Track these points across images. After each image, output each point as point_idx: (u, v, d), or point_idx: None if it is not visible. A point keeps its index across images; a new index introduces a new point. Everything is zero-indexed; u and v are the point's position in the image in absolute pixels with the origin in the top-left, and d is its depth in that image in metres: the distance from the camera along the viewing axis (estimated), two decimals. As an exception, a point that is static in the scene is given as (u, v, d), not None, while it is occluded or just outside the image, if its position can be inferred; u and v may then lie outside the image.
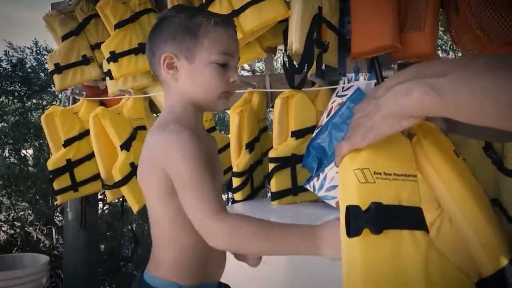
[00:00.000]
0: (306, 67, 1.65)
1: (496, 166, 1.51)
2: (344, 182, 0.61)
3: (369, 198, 0.57)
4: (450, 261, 0.58)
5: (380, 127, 0.60)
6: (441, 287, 0.56)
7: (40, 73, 3.40)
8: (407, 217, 0.58)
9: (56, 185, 2.18)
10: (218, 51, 0.96)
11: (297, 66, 1.66)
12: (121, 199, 2.44)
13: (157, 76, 1.03)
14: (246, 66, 4.53)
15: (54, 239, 3.16)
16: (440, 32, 2.50)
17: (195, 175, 0.85)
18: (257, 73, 4.40)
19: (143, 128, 2.23)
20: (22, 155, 3.32)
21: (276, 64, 4.60)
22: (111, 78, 2.14)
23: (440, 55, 3.63)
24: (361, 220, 0.56)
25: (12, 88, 3.27)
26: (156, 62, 0.99)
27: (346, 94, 1.64)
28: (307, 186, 1.65)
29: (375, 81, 1.64)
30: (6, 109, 3.34)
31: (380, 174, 0.59)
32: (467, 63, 0.59)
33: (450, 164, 0.67)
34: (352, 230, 0.56)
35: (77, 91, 2.39)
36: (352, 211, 0.57)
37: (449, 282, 0.57)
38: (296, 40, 1.60)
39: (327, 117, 1.65)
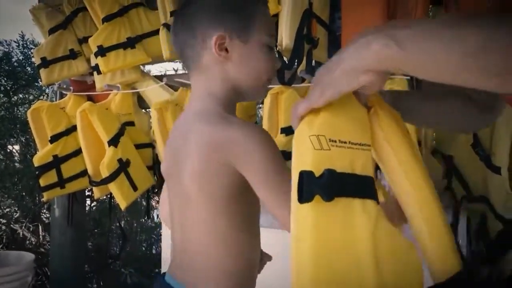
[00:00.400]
0: (296, 63, 1.64)
1: (484, 163, 1.52)
2: (299, 148, 0.59)
3: (323, 165, 0.56)
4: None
5: (338, 83, 0.58)
6: (389, 255, 0.55)
7: (27, 67, 3.35)
8: (360, 186, 0.58)
9: (43, 182, 2.14)
10: (268, 32, 0.89)
11: (287, 62, 1.65)
12: (109, 196, 2.42)
13: (192, 60, 0.90)
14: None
15: (40, 236, 3.12)
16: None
17: (286, 172, 0.75)
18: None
19: (131, 123, 2.21)
20: (8, 150, 3.27)
21: (266, 61, 4.58)
22: (99, 72, 2.11)
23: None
24: (313, 186, 0.55)
25: (-3, 82, 3.23)
26: (197, 44, 0.88)
27: (336, 91, 1.64)
28: (297, 183, 1.64)
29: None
30: (-8, 104, 3.28)
31: (336, 141, 0.58)
32: (430, 19, 0.58)
33: (405, 140, 0.66)
34: (304, 196, 0.55)
35: (65, 86, 2.35)
36: (305, 177, 0.56)
37: (397, 251, 0.56)
38: (286, 35, 1.59)
39: (317, 113, 1.65)
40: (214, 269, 0.86)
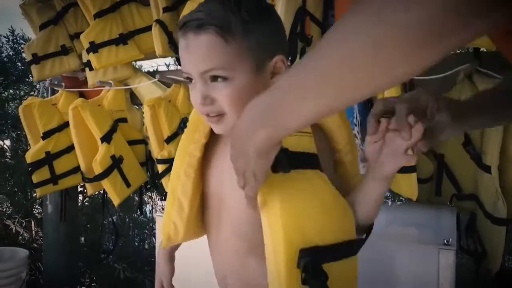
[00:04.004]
0: (289, 61, 1.64)
1: (475, 161, 1.54)
2: None
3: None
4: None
5: (261, 172, 0.64)
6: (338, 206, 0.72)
7: (17, 63, 3.31)
8: (312, 160, 0.74)
9: (35, 178, 2.14)
10: None
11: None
12: (101, 191, 2.42)
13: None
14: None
15: (33, 232, 3.11)
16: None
17: None
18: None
19: (124, 120, 2.21)
20: (0, 146, 3.24)
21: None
22: (91, 69, 2.10)
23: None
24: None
25: (-13, 78, 3.19)
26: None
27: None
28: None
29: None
30: (-18, 100, 3.25)
31: None
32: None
33: None
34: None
35: (56, 82, 2.34)
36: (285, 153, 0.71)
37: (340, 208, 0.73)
38: (279, 33, 1.59)
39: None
40: None
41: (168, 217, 0.87)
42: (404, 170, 1.54)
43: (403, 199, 2.08)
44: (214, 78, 0.73)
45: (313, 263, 0.66)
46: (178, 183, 0.86)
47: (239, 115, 0.74)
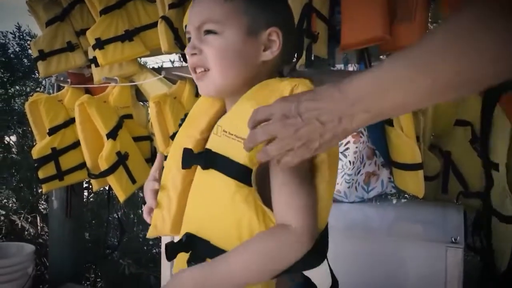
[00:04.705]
0: (295, 58, 1.64)
1: (482, 159, 1.53)
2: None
3: (209, 146, 0.77)
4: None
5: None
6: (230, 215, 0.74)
7: (23, 59, 3.31)
8: (228, 166, 0.74)
9: (41, 174, 2.14)
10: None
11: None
12: (106, 188, 2.42)
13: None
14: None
15: (39, 227, 3.13)
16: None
17: None
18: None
19: (129, 116, 2.21)
20: (6, 142, 3.25)
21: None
22: (97, 65, 2.10)
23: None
24: (191, 158, 0.79)
25: (-6, 74, 3.20)
26: None
27: (335, 86, 1.64)
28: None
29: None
30: (-12, 96, 3.26)
31: (226, 132, 0.75)
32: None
33: None
34: (183, 164, 0.79)
35: (62, 78, 2.34)
36: (185, 151, 0.79)
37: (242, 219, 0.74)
38: (286, 30, 1.58)
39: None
40: None
41: (159, 209, 0.88)
42: (410, 167, 1.54)
43: (408, 196, 2.08)
44: (207, 33, 0.77)
45: (195, 251, 0.76)
46: (169, 176, 0.86)
47: (223, 74, 0.77)
